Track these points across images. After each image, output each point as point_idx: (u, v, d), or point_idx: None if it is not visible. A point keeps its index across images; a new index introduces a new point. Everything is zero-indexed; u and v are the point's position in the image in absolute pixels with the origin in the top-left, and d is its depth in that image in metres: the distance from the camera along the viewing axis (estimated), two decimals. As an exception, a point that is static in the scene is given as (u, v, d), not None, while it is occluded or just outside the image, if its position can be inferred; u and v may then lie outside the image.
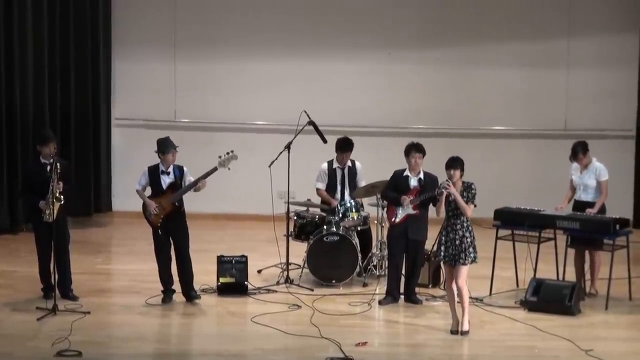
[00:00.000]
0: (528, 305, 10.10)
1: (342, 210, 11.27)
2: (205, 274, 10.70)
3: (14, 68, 13.58)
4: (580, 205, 10.76)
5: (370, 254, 11.40)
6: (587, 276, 10.73)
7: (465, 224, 9.28)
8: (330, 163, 11.70)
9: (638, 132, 14.87)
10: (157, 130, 13.16)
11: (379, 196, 11.03)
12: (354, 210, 11.28)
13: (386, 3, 15.03)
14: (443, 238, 9.37)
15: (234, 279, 10.62)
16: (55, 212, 9.84)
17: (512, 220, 10.72)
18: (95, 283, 11.08)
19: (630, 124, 14.87)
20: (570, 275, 10.67)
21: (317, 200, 11.85)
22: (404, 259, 10.44)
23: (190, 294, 10.27)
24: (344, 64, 15.01)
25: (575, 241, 10.54)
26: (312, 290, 10.81)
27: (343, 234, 11.00)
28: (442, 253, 9.35)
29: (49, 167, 9.92)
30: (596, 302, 10.44)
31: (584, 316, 10.00)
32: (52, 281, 10.02)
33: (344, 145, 11.58)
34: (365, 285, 11.01)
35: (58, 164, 9.80)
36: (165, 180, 10.21)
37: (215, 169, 10.17)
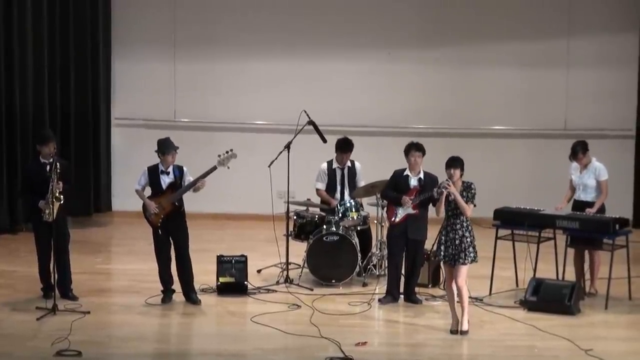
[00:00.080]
0: (528, 305, 10.09)
1: (341, 210, 11.27)
2: (205, 273, 10.70)
3: (14, 68, 13.57)
4: (579, 205, 10.76)
5: (370, 254, 11.40)
6: (587, 276, 10.72)
7: (465, 224, 9.27)
8: (330, 163, 11.70)
9: (638, 132, 14.87)
10: (157, 130, 13.19)
11: (378, 196, 11.03)
12: (353, 210, 11.28)
13: (386, 3, 15.02)
14: (443, 238, 9.36)
15: (233, 279, 10.62)
16: (55, 212, 9.83)
17: (511, 220, 10.72)
18: (95, 283, 11.08)
19: (630, 123, 14.86)
20: (570, 275, 10.67)
21: (316, 200, 11.84)
22: (404, 259, 10.45)
23: (191, 297, 10.26)
24: (344, 64, 15.00)
25: (575, 241, 10.54)
26: (312, 290, 10.80)
27: (343, 233, 11.00)
28: (441, 253, 9.35)
29: (48, 167, 9.91)
30: (596, 302, 10.44)
31: (583, 316, 9.99)
32: (52, 281, 10.01)
33: (344, 146, 11.57)
34: (365, 285, 11.00)
35: (58, 164, 9.80)
36: (165, 180, 10.20)
37: (214, 168, 10.16)
